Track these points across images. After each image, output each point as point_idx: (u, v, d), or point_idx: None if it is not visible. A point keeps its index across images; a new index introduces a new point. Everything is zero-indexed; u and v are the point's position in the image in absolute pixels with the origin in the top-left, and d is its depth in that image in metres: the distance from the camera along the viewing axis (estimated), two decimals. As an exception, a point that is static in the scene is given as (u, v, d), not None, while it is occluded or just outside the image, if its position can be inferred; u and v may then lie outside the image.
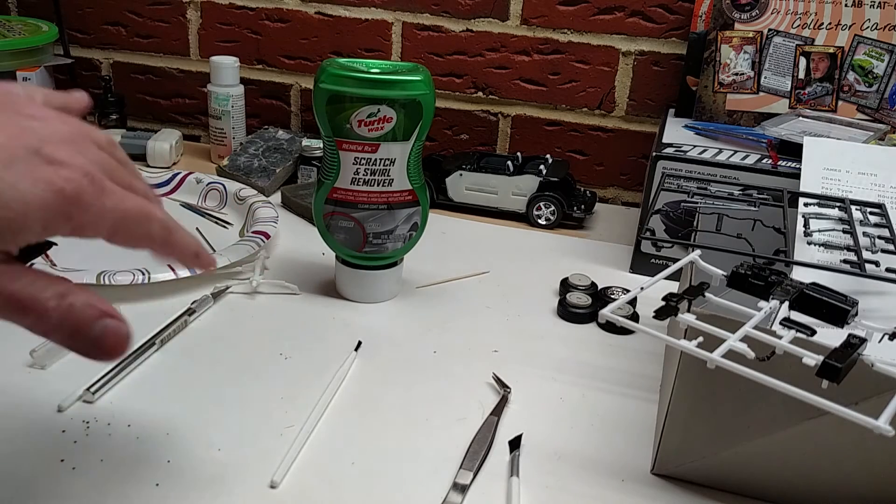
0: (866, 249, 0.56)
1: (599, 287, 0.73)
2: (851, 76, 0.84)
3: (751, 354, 0.39)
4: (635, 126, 0.97)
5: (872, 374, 0.39)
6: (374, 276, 0.69)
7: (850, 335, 0.39)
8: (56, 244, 0.35)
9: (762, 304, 0.44)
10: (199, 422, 0.52)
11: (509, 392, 0.57)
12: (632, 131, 0.98)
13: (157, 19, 1.08)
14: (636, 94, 0.96)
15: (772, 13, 0.84)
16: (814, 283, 0.45)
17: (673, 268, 0.50)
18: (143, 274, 0.66)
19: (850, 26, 0.82)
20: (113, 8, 1.09)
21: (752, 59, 0.86)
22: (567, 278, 0.73)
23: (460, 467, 0.49)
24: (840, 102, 0.85)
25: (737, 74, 0.87)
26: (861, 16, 0.82)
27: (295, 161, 0.95)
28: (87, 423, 0.51)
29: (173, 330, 0.61)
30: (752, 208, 0.64)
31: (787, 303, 0.44)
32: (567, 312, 0.69)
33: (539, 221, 0.89)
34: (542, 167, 0.88)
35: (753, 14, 0.85)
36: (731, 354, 0.39)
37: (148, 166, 0.96)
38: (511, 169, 0.88)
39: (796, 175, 0.68)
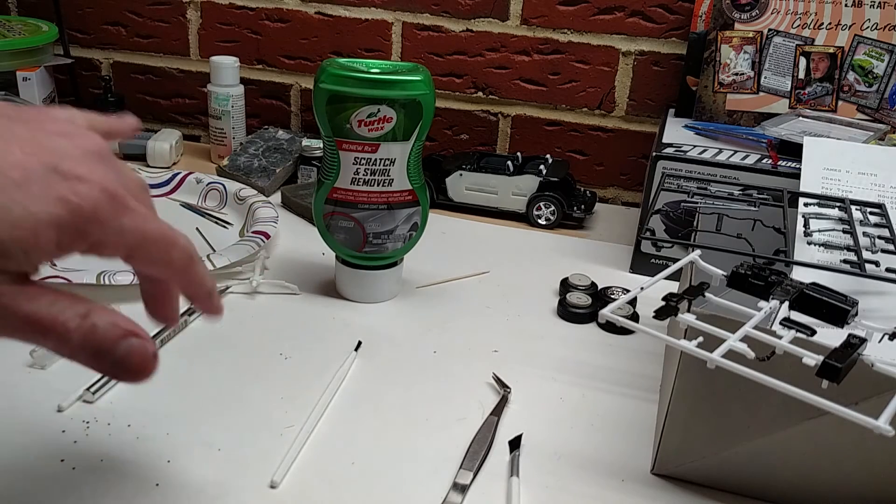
0: (866, 249, 0.56)
1: (599, 287, 0.73)
2: (851, 76, 0.84)
3: (751, 354, 0.39)
4: (635, 126, 0.97)
5: (872, 374, 0.39)
6: (374, 276, 0.69)
7: (850, 335, 0.39)
8: None
9: (762, 304, 0.44)
10: (199, 422, 0.52)
11: (509, 392, 0.57)
12: (632, 131, 0.98)
13: (157, 19, 1.08)
14: (636, 94, 0.96)
15: (772, 13, 0.84)
16: (814, 283, 0.45)
17: (673, 268, 0.50)
18: (143, 274, 0.65)
19: (850, 26, 0.82)
20: (113, 8, 1.09)
21: (752, 59, 0.86)
22: (567, 278, 0.73)
23: (460, 467, 0.49)
24: (840, 102, 0.85)
25: (737, 74, 0.87)
26: (861, 16, 0.82)
27: (295, 161, 0.95)
28: (87, 423, 0.51)
29: (173, 330, 0.61)
30: (752, 208, 0.64)
31: (787, 303, 0.44)
32: (567, 312, 0.69)
33: (539, 221, 0.89)
34: (542, 167, 0.88)
35: (753, 14, 0.85)
36: (731, 354, 0.39)
37: (148, 166, 0.96)
38: (511, 169, 0.88)
39: (796, 175, 0.68)
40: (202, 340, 0.62)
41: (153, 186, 0.88)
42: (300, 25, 1.03)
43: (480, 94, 1.00)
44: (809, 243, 0.58)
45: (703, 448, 0.47)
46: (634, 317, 0.69)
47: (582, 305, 0.69)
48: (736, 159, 0.75)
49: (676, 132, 0.84)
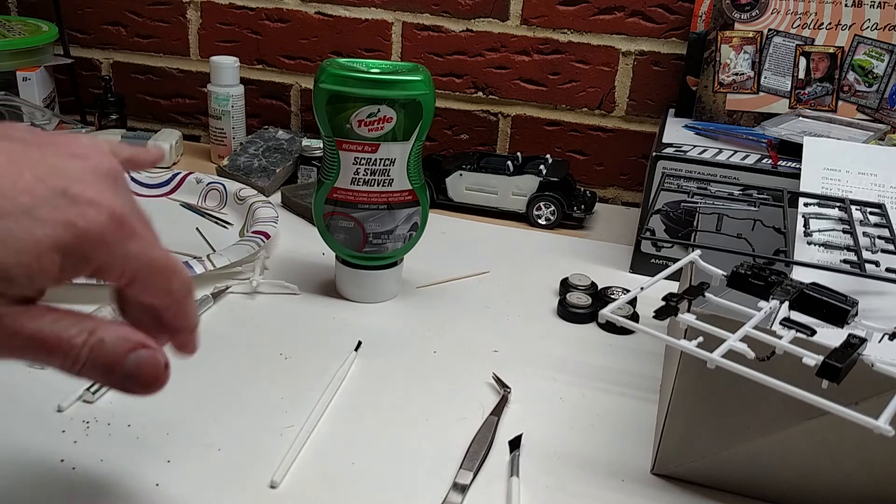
0: (866, 249, 0.56)
1: (599, 287, 0.73)
2: (851, 76, 0.84)
3: (751, 354, 0.39)
4: (635, 126, 0.97)
5: (872, 374, 0.39)
6: (374, 276, 0.69)
7: (850, 335, 0.39)
8: None
9: (762, 304, 0.44)
10: (199, 422, 0.52)
11: (509, 392, 0.57)
12: (632, 131, 0.98)
13: (157, 19, 1.08)
14: (636, 94, 0.96)
15: (772, 13, 0.84)
16: (814, 283, 0.45)
17: (673, 268, 0.50)
18: (143, 274, 0.65)
19: (850, 26, 0.82)
20: (113, 8, 1.09)
21: (752, 59, 0.86)
22: (567, 278, 0.73)
23: (460, 467, 0.49)
24: (840, 102, 0.85)
25: (737, 74, 0.87)
26: (861, 16, 0.82)
27: (295, 161, 0.95)
28: (87, 423, 0.51)
29: (173, 330, 0.61)
30: (752, 208, 0.64)
31: (787, 303, 0.44)
32: (567, 312, 0.69)
33: (539, 221, 0.89)
34: (542, 167, 0.88)
35: (753, 14, 0.85)
36: (731, 354, 0.39)
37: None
38: (511, 169, 0.88)
39: (796, 175, 0.68)
40: (202, 340, 0.62)
41: (153, 186, 0.89)
42: (300, 25, 1.03)
43: (480, 94, 1.01)
44: (809, 243, 0.58)
45: (703, 448, 0.47)
46: (634, 317, 0.69)
47: (582, 305, 0.69)
48: (736, 159, 0.75)
49: (676, 132, 0.84)
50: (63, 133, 0.33)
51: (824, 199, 0.62)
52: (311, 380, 0.57)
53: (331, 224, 0.67)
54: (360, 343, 0.62)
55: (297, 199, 0.87)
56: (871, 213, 0.61)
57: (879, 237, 0.58)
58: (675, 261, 0.52)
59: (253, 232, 0.76)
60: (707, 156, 0.76)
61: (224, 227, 0.83)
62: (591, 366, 0.62)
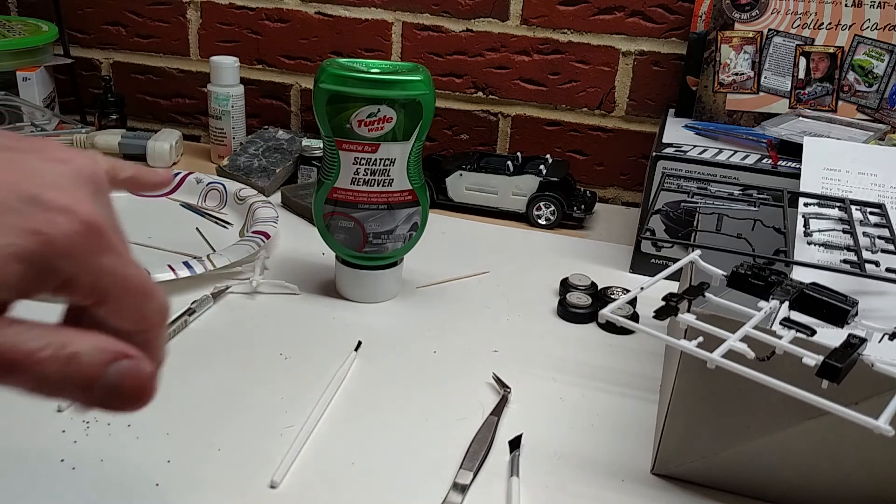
0: (866, 249, 0.56)
1: (599, 287, 0.73)
2: (851, 76, 0.84)
3: (751, 354, 0.39)
4: (635, 126, 0.97)
5: (872, 374, 0.39)
6: (374, 276, 0.69)
7: (850, 335, 0.39)
8: None
9: (762, 304, 0.44)
10: (199, 422, 0.52)
11: (509, 392, 0.57)
12: (632, 131, 0.98)
13: (157, 19, 1.08)
14: (636, 94, 0.96)
15: (772, 13, 0.84)
16: (814, 283, 0.45)
17: (673, 268, 0.50)
18: (143, 274, 0.65)
19: (850, 26, 0.82)
20: (113, 8, 1.09)
21: (752, 59, 0.86)
22: (567, 278, 0.73)
23: (460, 467, 0.49)
24: (840, 102, 0.85)
25: (737, 74, 0.87)
26: (861, 16, 0.82)
27: (295, 161, 0.95)
28: (87, 423, 0.51)
29: (173, 330, 0.61)
30: (752, 208, 0.64)
31: (787, 303, 0.44)
32: (567, 312, 0.69)
33: (539, 221, 0.89)
34: (542, 167, 0.88)
35: (753, 14, 0.85)
36: (731, 354, 0.39)
37: (148, 166, 0.96)
38: (511, 169, 0.88)
39: (796, 175, 0.68)
40: (202, 340, 0.62)
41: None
42: (300, 25, 1.03)
43: (480, 94, 1.00)
44: (809, 243, 0.58)
45: (703, 448, 0.47)
46: (634, 317, 0.69)
47: (582, 305, 0.69)
48: (736, 159, 0.75)
49: (676, 132, 0.84)
50: (53, 140, 0.31)
51: (824, 199, 0.62)
52: (311, 380, 0.57)
53: (331, 224, 0.67)
54: (360, 343, 0.62)
55: (297, 199, 0.87)
56: (871, 213, 0.61)
57: (879, 237, 0.58)
58: (675, 261, 0.52)
59: (253, 232, 0.76)
60: (707, 156, 0.76)
61: (224, 227, 0.83)
62: (591, 366, 0.62)
